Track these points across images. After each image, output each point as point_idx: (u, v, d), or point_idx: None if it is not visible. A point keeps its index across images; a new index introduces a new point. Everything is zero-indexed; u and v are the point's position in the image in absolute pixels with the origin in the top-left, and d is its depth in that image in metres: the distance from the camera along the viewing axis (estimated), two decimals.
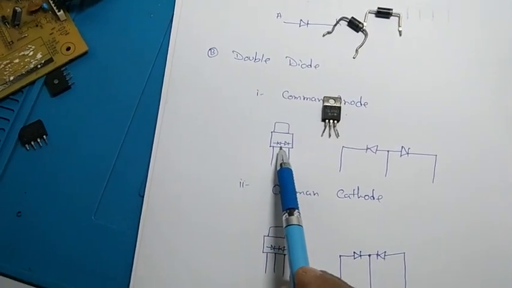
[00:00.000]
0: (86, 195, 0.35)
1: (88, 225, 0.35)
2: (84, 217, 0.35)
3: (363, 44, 0.38)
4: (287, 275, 0.33)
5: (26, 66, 0.38)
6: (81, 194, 0.35)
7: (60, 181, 0.36)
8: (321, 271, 0.27)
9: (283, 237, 0.33)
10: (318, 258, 0.32)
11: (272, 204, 0.34)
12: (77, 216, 0.35)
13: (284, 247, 0.33)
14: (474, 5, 0.38)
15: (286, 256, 0.33)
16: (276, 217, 0.34)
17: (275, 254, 0.33)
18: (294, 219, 0.30)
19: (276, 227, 0.34)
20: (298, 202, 0.34)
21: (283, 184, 0.33)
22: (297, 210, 0.31)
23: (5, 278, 0.33)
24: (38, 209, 0.35)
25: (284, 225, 0.30)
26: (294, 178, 0.34)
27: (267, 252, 0.33)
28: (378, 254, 0.33)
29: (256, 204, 0.34)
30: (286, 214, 0.31)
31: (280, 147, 0.35)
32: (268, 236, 0.33)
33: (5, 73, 0.38)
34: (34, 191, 0.36)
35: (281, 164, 0.34)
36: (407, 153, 0.35)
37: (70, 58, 0.38)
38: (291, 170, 0.33)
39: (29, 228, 0.35)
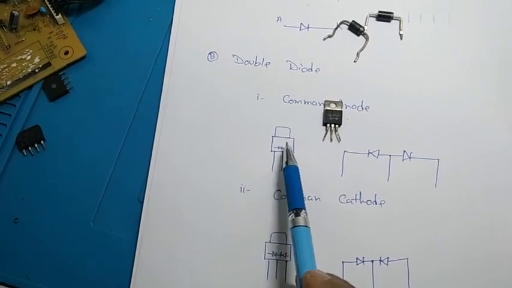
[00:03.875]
0: (84, 201, 0.35)
1: (86, 231, 0.34)
2: (82, 223, 0.34)
3: (363, 47, 0.37)
4: (289, 282, 0.32)
5: (24, 71, 0.37)
6: (80, 200, 0.35)
7: (58, 187, 0.35)
8: (329, 274, 0.27)
9: (285, 244, 0.33)
10: (321, 264, 0.32)
11: (273, 210, 0.34)
12: (75, 223, 0.34)
13: (286, 253, 0.33)
14: (475, 9, 0.38)
15: (289, 262, 0.32)
16: (278, 223, 0.33)
17: (277, 260, 0.33)
18: (300, 220, 0.29)
19: (277, 233, 0.33)
20: None
21: (289, 183, 0.31)
22: (303, 211, 0.29)
23: (2, 287, 0.33)
24: (35, 215, 0.35)
25: (290, 226, 0.30)
26: None
27: (268, 259, 0.33)
28: (381, 260, 0.32)
29: (257, 210, 0.34)
30: (293, 215, 0.30)
31: (286, 143, 0.34)
32: (269, 242, 0.33)
33: (2, 77, 0.37)
34: (31, 197, 0.35)
35: (286, 162, 0.33)
36: (410, 158, 0.35)
37: (68, 62, 0.38)
38: (297, 167, 0.32)
39: (26, 235, 0.34)
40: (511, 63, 0.37)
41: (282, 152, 0.34)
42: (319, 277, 0.26)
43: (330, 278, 0.26)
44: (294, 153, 0.35)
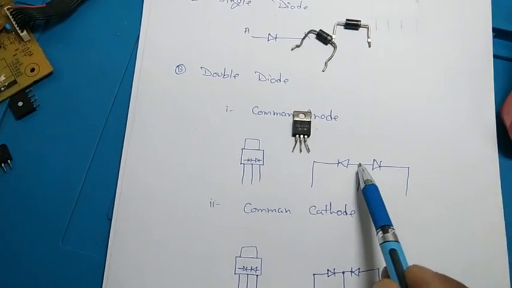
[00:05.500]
0: (52, 221, 0.34)
1: (55, 251, 0.34)
2: (51, 243, 0.34)
3: (332, 56, 0.37)
4: None
5: None
6: (48, 219, 0.34)
7: (26, 206, 0.35)
8: None
9: (256, 258, 0.33)
10: (291, 277, 0.32)
11: (244, 224, 0.33)
12: (44, 243, 0.34)
13: (257, 268, 0.32)
14: (442, 14, 0.38)
15: (260, 276, 0.32)
16: (248, 237, 0.33)
17: (247, 275, 0.32)
18: (390, 236, 0.29)
19: (248, 247, 0.33)
20: (269, 220, 0.33)
21: (373, 201, 0.31)
22: (392, 227, 0.29)
23: None
24: (3, 236, 0.34)
25: (380, 242, 0.29)
26: (265, 195, 0.34)
27: (239, 274, 0.32)
28: (352, 271, 0.32)
29: (227, 224, 0.33)
30: (381, 232, 0.29)
31: (359, 163, 0.34)
32: (240, 256, 0.33)
33: None
34: None
35: (365, 181, 0.32)
36: (380, 166, 0.35)
37: (34, 79, 0.37)
38: (376, 186, 0.32)
39: None
40: (481, 69, 0.37)
41: (357, 172, 0.34)
42: (428, 270, 0.26)
43: (436, 272, 0.26)
44: (264, 165, 0.35)
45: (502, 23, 0.38)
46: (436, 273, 0.26)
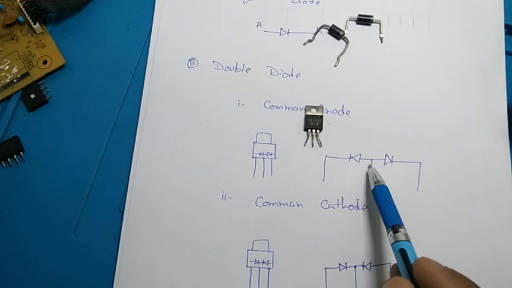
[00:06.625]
0: (64, 212, 0.34)
1: (67, 243, 0.34)
2: (63, 235, 0.34)
3: (344, 51, 0.37)
4: None
5: (2, 81, 0.37)
6: (60, 211, 0.34)
7: (38, 198, 0.35)
8: None
9: (267, 251, 0.33)
10: (303, 271, 0.32)
11: (255, 217, 0.33)
12: (56, 234, 0.34)
13: (268, 261, 0.32)
14: (454, 10, 0.38)
15: (272, 269, 0.32)
16: (260, 230, 0.33)
17: (259, 268, 0.32)
18: (401, 236, 0.28)
19: (260, 240, 0.33)
20: (281, 214, 0.33)
21: (384, 201, 0.31)
22: (402, 227, 0.29)
23: None
24: (15, 227, 0.34)
25: (391, 241, 0.29)
26: (277, 189, 0.34)
27: (251, 267, 0.32)
28: (363, 265, 0.32)
29: (239, 218, 0.33)
30: (392, 232, 0.29)
31: (369, 165, 0.34)
32: (252, 250, 0.33)
33: None
34: (11, 209, 0.35)
35: (375, 182, 0.32)
36: (391, 161, 0.35)
37: (47, 72, 0.37)
38: (387, 187, 0.32)
39: (5, 247, 0.34)
40: (493, 65, 0.37)
41: (368, 173, 0.34)
42: (434, 263, 0.26)
43: (445, 266, 0.26)
44: (275, 159, 0.35)
45: None
46: (442, 266, 0.26)
